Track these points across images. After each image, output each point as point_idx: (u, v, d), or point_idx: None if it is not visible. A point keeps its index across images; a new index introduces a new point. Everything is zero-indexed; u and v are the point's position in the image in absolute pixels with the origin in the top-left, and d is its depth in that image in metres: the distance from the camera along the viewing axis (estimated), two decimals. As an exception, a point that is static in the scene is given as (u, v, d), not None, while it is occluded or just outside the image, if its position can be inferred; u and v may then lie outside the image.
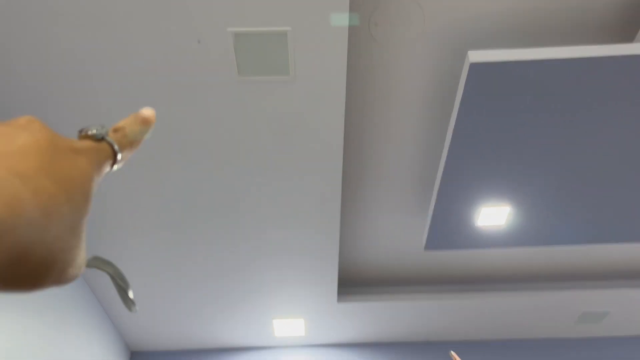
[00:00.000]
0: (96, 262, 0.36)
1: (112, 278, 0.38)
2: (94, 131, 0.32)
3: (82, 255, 0.29)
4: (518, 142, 2.02)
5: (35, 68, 1.79)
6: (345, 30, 1.74)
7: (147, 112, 0.36)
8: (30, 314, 2.35)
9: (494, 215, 2.30)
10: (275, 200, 2.31)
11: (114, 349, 3.11)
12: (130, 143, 0.35)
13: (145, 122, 0.36)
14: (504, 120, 1.93)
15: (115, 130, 0.34)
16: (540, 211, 2.32)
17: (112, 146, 0.33)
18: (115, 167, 0.34)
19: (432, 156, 2.44)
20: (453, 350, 3.44)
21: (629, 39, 2.10)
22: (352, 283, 3.15)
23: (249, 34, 1.74)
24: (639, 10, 1.99)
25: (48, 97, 1.88)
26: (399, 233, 2.80)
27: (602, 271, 3.10)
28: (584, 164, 2.10)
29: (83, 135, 0.32)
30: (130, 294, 0.38)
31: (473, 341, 3.48)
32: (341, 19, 1.72)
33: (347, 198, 2.59)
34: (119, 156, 0.34)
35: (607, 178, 2.17)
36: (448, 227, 2.41)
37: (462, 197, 2.24)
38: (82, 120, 1.95)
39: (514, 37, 2.06)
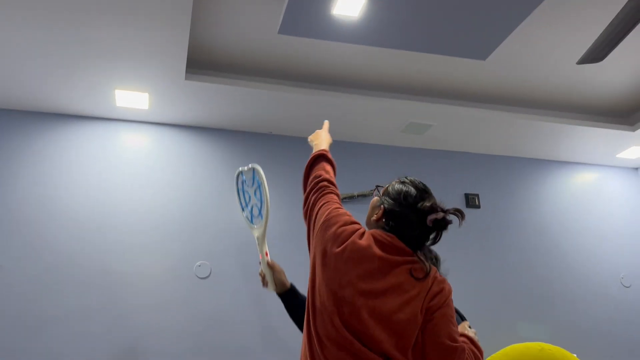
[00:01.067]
0: None
1: None
2: None
3: None
4: None
5: None
6: None
7: None
8: None
9: (349, 4, 2.32)
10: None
11: None
12: None
13: None
14: None
15: None
16: (395, 9, 2.39)
17: None
18: None
19: None
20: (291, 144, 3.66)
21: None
22: (202, 64, 3.09)
23: None
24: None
25: None
26: (255, 16, 2.72)
27: (432, 86, 3.39)
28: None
29: None
30: None
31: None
32: None
33: (204, -36, 2.40)
34: None
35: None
36: (304, 12, 2.40)
37: (322, -20, 2.20)
38: None
39: None
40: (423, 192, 1.52)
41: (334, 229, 1.46)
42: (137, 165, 3.33)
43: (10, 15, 2.41)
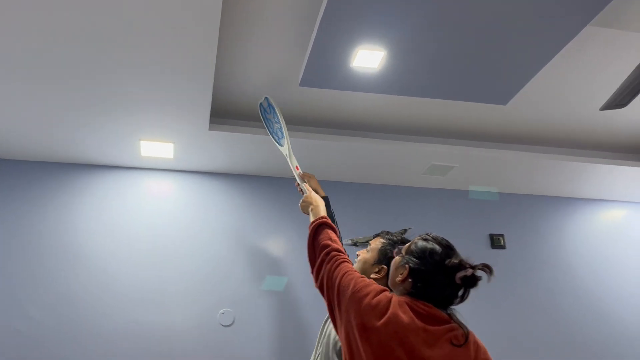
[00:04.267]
0: None
1: None
2: None
3: None
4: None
5: None
6: None
7: None
8: None
9: (369, 57, 2.35)
10: (148, 11, 2.14)
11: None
12: None
13: None
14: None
15: None
16: (414, 60, 2.42)
17: None
18: None
19: (319, -11, 2.37)
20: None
21: None
22: (225, 113, 3.15)
23: None
24: None
25: None
26: (276, 67, 2.78)
27: (452, 128, 3.39)
28: (464, 17, 2.18)
29: None
30: None
31: (334, 181, 3.74)
32: None
33: (226, 22, 2.47)
34: None
35: (485, 36, 2.28)
36: (324, 65, 2.44)
37: (341, 36, 2.25)
38: None
39: None
40: (448, 248, 1.50)
41: (367, 299, 1.44)
42: (161, 213, 3.37)
43: (44, 72, 2.50)
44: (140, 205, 3.36)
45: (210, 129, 3.02)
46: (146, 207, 3.36)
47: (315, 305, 3.22)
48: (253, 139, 3.15)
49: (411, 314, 1.40)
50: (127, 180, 3.41)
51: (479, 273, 1.46)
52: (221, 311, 3.18)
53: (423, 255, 1.48)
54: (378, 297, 1.44)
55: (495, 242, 3.84)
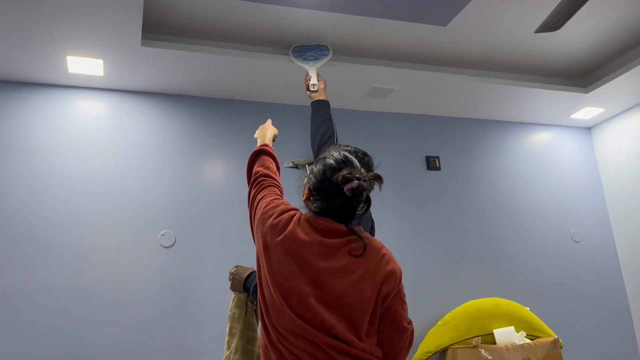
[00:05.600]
0: None
1: None
2: None
3: None
4: None
5: None
6: None
7: None
8: None
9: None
10: None
11: None
12: None
13: None
14: None
15: None
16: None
17: None
18: None
19: None
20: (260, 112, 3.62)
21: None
22: (158, 29, 2.98)
23: None
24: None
25: None
26: (213, -21, 2.63)
27: (393, 51, 3.38)
28: None
29: None
30: None
31: (272, 103, 3.70)
32: None
33: None
34: None
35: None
36: (263, -22, 2.33)
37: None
38: None
39: None
40: (341, 162, 1.50)
41: (270, 220, 1.49)
42: (93, 133, 3.24)
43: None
44: (70, 124, 3.20)
45: (142, 44, 2.87)
46: (77, 127, 3.21)
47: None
48: (187, 56, 3.02)
49: (308, 229, 1.45)
50: (55, 98, 3.22)
51: (369, 184, 1.45)
52: (161, 232, 3.17)
53: (319, 172, 1.51)
54: (281, 216, 1.49)
55: (431, 164, 3.98)
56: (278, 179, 1.73)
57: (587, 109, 4.16)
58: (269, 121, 2.10)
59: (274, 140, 1.99)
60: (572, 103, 4.05)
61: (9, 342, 2.76)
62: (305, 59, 3.12)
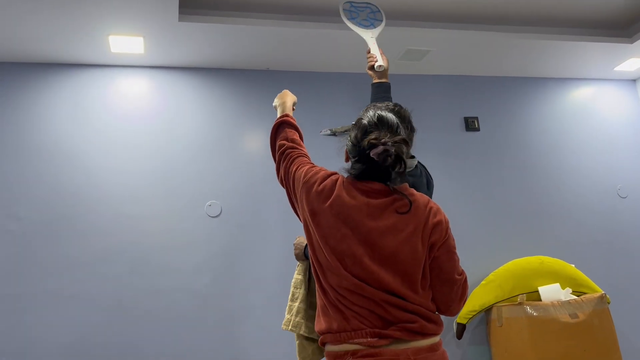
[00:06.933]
0: None
1: None
2: None
3: None
4: None
5: None
6: None
7: None
8: None
9: None
10: None
11: None
12: None
13: None
14: None
15: None
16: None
17: None
18: None
19: None
20: (285, 83, 3.65)
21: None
22: (195, 3, 3.03)
23: None
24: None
25: None
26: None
27: (427, 11, 3.33)
28: None
29: None
30: None
31: (307, 72, 3.72)
32: None
33: None
34: None
35: None
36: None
37: None
38: None
39: None
40: (373, 125, 1.50)
41: (315, 187, 1.52)
42: (138, 109, 3.35)
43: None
44: (114, 102, 3.32)
45: (180, 20, 2.93)
46: (121, 105, 3.33)
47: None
48: (222, 30, 3.07)
49: (354, 192, 1.48)
50: (100, 77, 3.33)
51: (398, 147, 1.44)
52: (208, 203, 3.28)
53: (354, 136, 1.54)
54: (324, 182, 1.52)
55: (470, 125, 3.94)
56: (304, 149, 1.75)
57: (632, 60, 4.01)
58: (286, 90, 2.06)
59: (293, 108, 1.96)
60: (616, 55, 3.91)
61: (70, 310, 2.95)
62: (361, 25, 2.78)
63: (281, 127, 1.81)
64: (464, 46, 3.56)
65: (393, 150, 1.42)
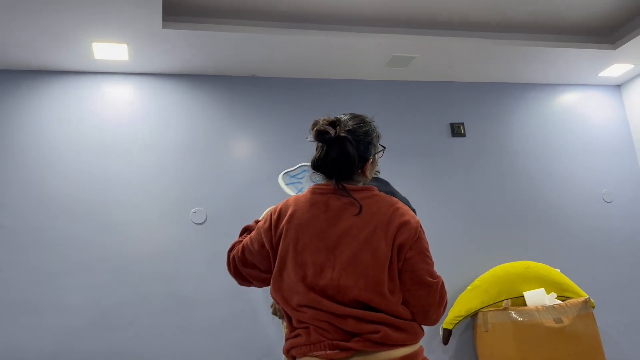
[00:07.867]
0: None
1: None
2: None
3: None
4: None
5: None
6: None
7: None
8: None
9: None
10: None
11: None
12: None
13: None
14: None
15: None
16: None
17: None
18: None
19: None
20: (273, 86, 3.65)
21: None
22: (178, 10, 3.03)
23: None
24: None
25: None
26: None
27: (413, 18, 3.35)
28: None
29: None
30: None
31: (293, 78, 3.72)
32: None
33: None
34: None
35: None
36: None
37: None
38: None
39: None
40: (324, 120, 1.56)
41: (267, 223, 1.54)
42: (122, 116, 3.33)
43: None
44: (101, 109, 3.30)
45: (164, 27, 2.92)
46: (107, 111, 3.31)
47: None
48: (207, 37, 3.06)
49: (312, 199, 1.49)
50: (83, 84, 3.31)
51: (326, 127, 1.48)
52: (193, 210, 3.27)
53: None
54: (277, 210, 1.52)
55: (456, 130, 3.96)
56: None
57: (616, 65, 4.06)
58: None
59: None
60: (600, 61, 3.95)
61: (52, 319, 2.92)
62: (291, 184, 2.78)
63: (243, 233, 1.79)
64: (450, 52, 3.58)
65: (330, 129, 1.46)
